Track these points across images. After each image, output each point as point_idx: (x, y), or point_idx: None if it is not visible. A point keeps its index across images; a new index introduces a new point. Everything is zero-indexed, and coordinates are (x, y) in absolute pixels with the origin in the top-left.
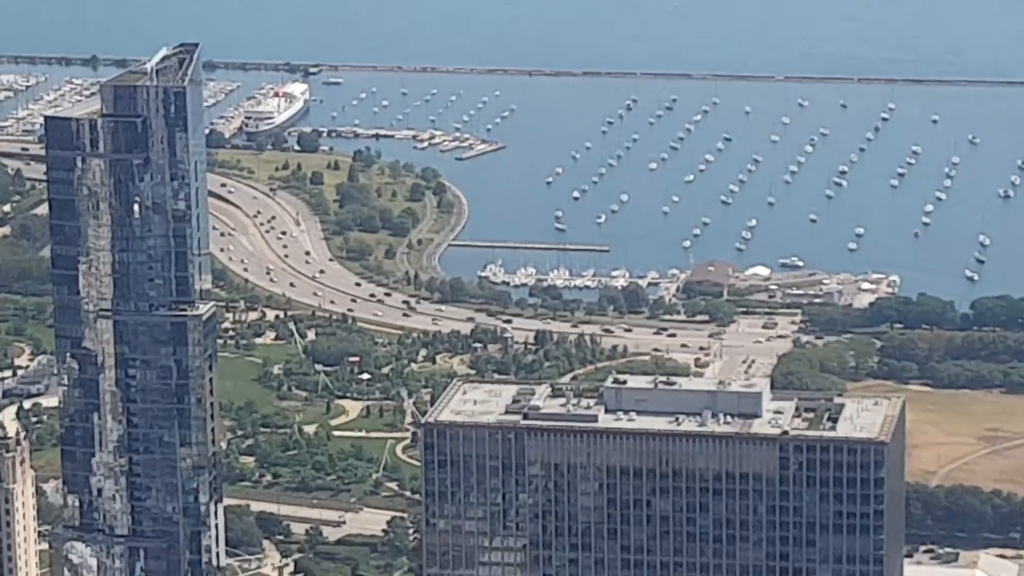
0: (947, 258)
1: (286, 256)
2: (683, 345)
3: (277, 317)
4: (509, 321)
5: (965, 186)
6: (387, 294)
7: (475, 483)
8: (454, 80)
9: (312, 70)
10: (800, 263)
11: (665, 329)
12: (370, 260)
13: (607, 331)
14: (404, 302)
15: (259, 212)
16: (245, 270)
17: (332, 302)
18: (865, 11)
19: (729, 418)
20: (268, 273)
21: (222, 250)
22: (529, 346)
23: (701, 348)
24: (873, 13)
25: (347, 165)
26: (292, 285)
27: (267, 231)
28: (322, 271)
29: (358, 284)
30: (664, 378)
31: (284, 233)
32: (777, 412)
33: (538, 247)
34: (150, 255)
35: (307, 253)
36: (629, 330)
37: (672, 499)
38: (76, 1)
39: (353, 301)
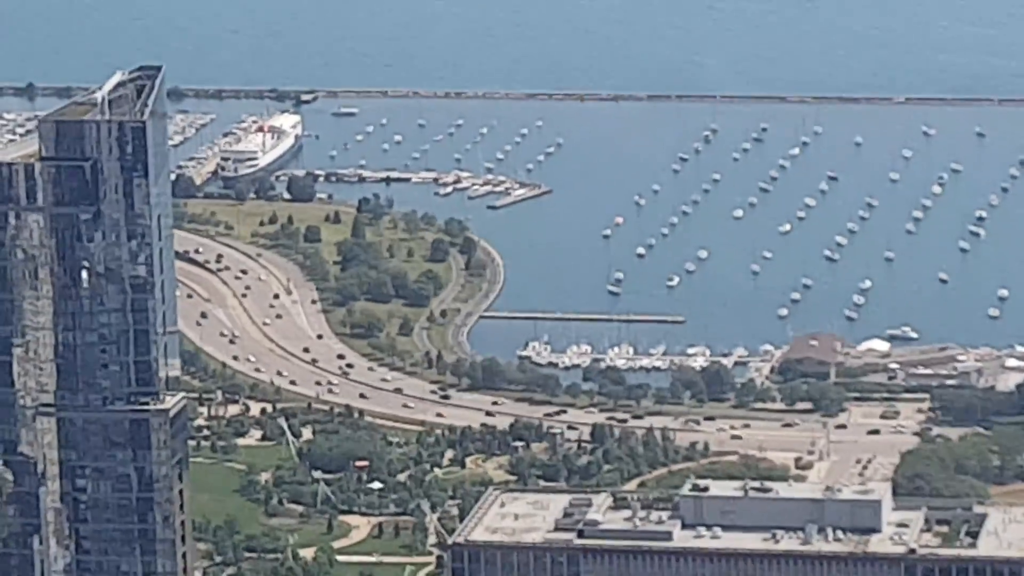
0: None
1: (275, 334)
2: (781, 441)
3: (264, 411)
4: (559, 413)
5: None
6: (403, 381)
7: None
8: (485, 108)
9: (305, 97)
10: (914, 335)
11: (757, 421)
12: (381, 337)
13: (684, 424)
14: (432, 391)
15: (240, 278)
16: (224, 352)
17: (333, 391)
18: (1007, 17)
19: (841, 533)
20: (252, 355)
21: (198, 324)
22: (584, 444)
23: (804, 445)
24: (1017, 17)
25: (351, 217)
26: (281, 373)
27: (251, 302)
28: (320, 352)
29: (370, 369)
30: (757, 484)
31: (272, 304)
32: (901, 525)
33: (594, 318)
34: (102, 335)
35: (301, 329)
36: (713, 422)
37: None
38: (5, 16)
39: (362, 395)
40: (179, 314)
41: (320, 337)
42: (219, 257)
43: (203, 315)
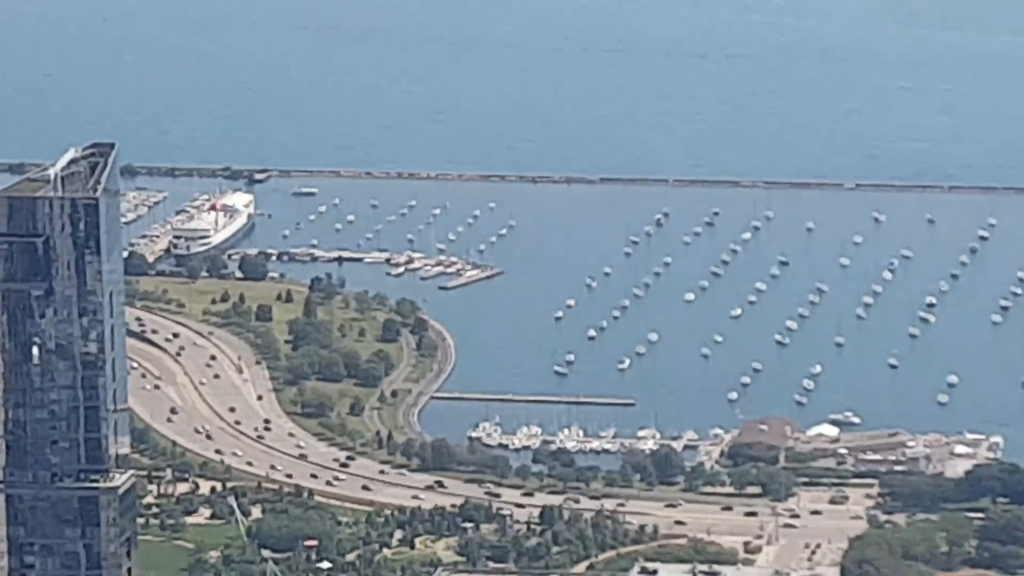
0: None
1: (225, 412)
2: (729, 525)
3: (213, 490)
4: (506, 494)
5: None
6: (351, 459)
7: None
8: (438, 189)
9: (259, 176)
10: (856, 420)
11: (707, 504)
12: (331, 417)
13: (632, 507)
14: (381, 471)
15: (191, 356)
16: (173, 430)
17: (281, 470)
18: (959, 104)
19: None
20: (202, 433)
21: (149, 401)
22: (533, 526)
23: (753, 529)
24: (969, 107)
25: (302, 296)
26: (231, 452)
27: (201, 380)
28: (270, 431)
29: (349, 459)
30: (705, 567)
31: (223, 382)
32: None
33: (544, 400)
34: (52, 411)
35: (252, 408)
36: (661, 505)
37: None
38: None
39: (313, 474)
40: (130, 391)
41: (269, 419)
42: (171, 335)
43: (154, 392)
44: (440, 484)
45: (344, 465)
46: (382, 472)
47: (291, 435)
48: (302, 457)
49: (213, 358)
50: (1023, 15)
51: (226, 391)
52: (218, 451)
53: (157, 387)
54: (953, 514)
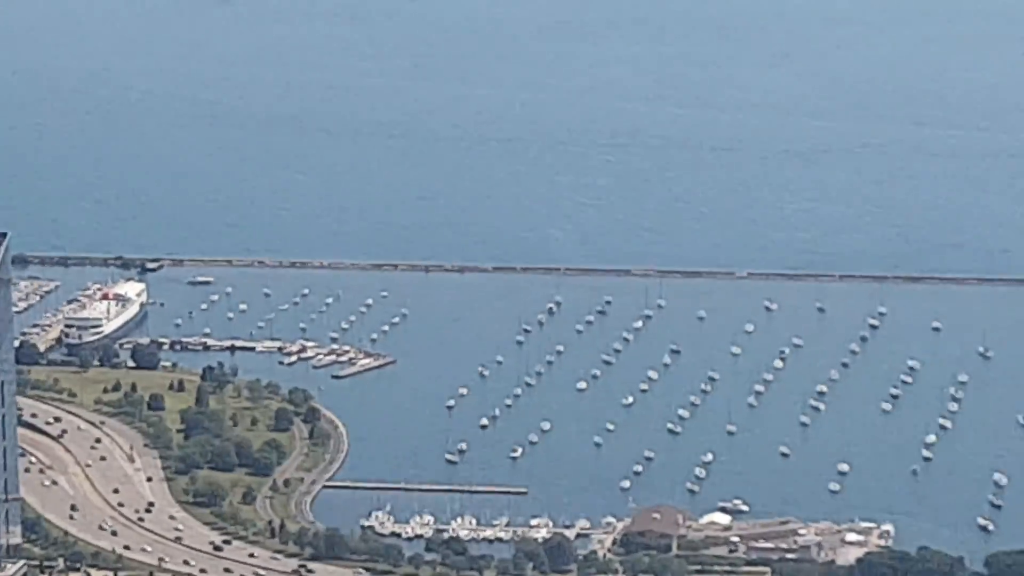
0: (954, 502)
1: (117, 502)
2: None
3: None
4: None
5: (976, 411)
6: (227, 542)
7: None
8: (330, 278)
9: (151, 265)
10: (745, 508)
11: None
12: (224, 506)
13: None
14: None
15: (82, 445)
16: (66, 520)
17: (169, 560)
18: (849, 194)
19: None
20: (95, 523)
21: (41, 491)
22: None
23: None
24: (859, 196)
25: (195, 385)
26: (126, 546)
27: (93, 470)
28: (162, 520)
29: (225, 542)
30: None
31: (114, 471)
32: None
33: (437, 489)
34: None
35: (143, 497)
36: None
37: None
38: None
39: (203, 570)
40: (21, 481)
41: (161, 505)
42: (63, 426)
43: (45, 481)
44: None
45: (218, 548)
46: (251, 555)
47: (181, 524)
48: (193, 547)
49: (104, 447)
50: (912, 105)
51: (118, 481)
52: (110, 541)
53: (50, 478)
54: None
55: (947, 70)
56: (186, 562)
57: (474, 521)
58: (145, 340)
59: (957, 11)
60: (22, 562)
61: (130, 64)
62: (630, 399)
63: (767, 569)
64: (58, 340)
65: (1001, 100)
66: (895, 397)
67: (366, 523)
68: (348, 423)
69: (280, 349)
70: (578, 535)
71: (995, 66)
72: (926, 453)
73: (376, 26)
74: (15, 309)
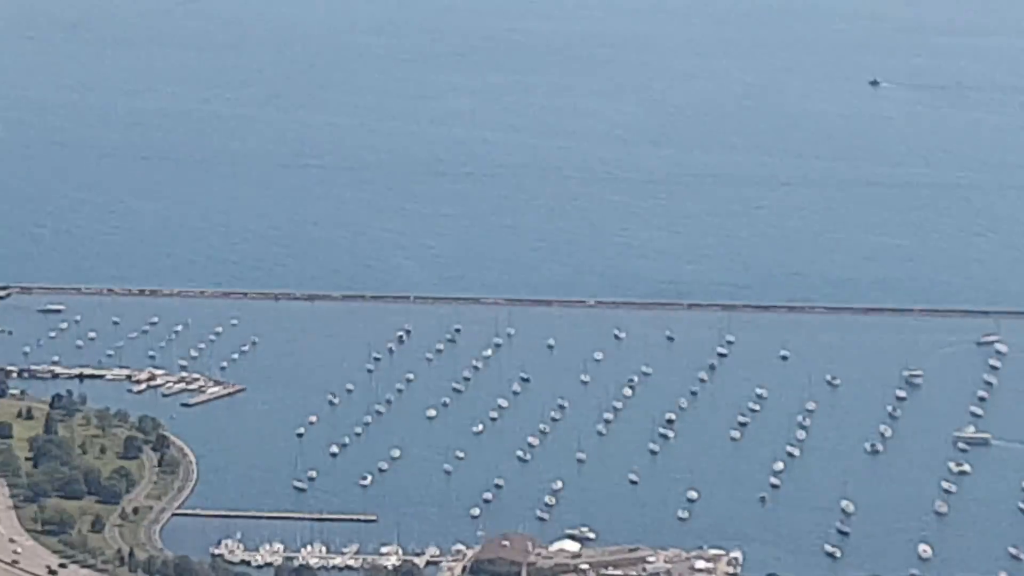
0: (802, 529)
1: None
2: None
3: None
4: None
5: (823, 439)
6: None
7: None
8: (180, 306)
9: None
10: (592, 535)
11: None
12: (72, 534)
13: None
14: None
15: None
16: None
17: None
18: (697, 223)
19: None
20: None
21: None
22: None
23: None
24: (707, 225)
25: (43, 414)
26: None
27: None
28: (12, 549)
29: (61, 565)
30: None
31: None
32: None
33: (287, 517)
34: None
35: None
36: None
37: None
38: None
39: None
40: None
41: (9, 533)
42: None
43: None
44: None
45: (53, 573)
46: None
47: (32, 553)
48: (13, 564)
49: None
50: (760, 136)
51: None
52: None
53: None
54: None
55: (794, 101)
56: None
57: (324, 549)
58: None
59: (805, 43)
60: None
61: None
62: (480, 427)
63: None
64: None
65: (847, 131)
66: (743, 425)
67: (216, 551)
68: (198, 451)
69: (129, 377)
70: (428, 563)
71: (842, 97)
72: (774, 480)
73: (227, 55)
74: None
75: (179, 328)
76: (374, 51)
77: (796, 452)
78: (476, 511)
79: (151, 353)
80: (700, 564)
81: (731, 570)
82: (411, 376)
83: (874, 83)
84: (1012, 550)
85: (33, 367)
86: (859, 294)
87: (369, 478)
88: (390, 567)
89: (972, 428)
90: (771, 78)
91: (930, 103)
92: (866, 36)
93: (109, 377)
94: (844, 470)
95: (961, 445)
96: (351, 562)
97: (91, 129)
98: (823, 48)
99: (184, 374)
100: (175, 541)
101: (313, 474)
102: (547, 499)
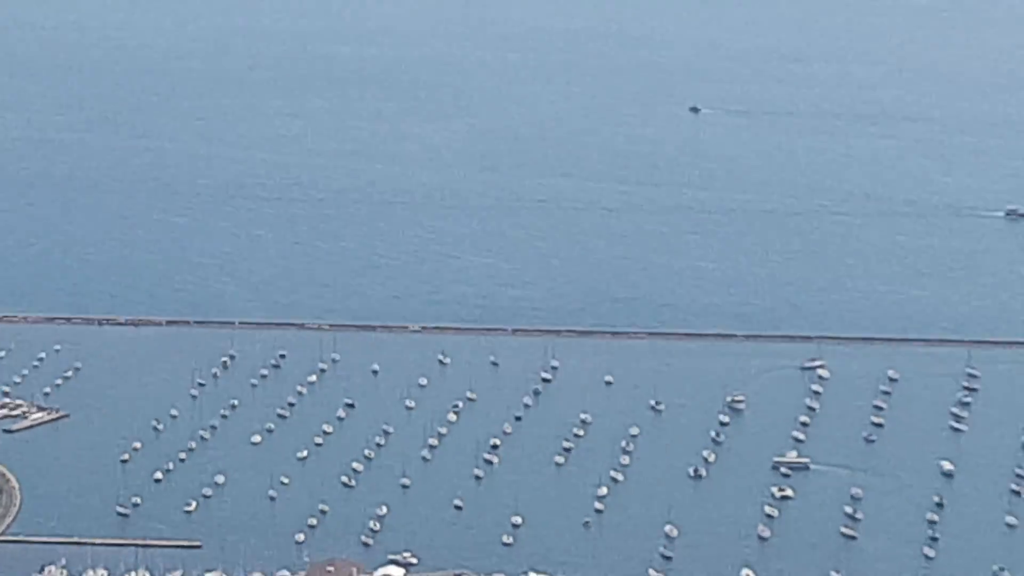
0: (626, 554)
1: None
2: None
3: None
4: None
5: (647, 464)
6: None
7: None
8: (2, 331)
9: None
10: (414, 560)
11: None
12: None
13: None
14: None
15: None
16: None
17: None
18: (521, 248)
19: None
20: None
21: None
22: None
23: None
24: (531, 250)
25: None
26: None
27: None
28: None
29: None
30: None
31: None
32: None
33: (111, 543)
34: None
35: None
36: None
37: None
38: None
39: None
40: None
41: None
42: None
43: None
44: None
45: None
46: None
47: None
48: None
49: None
50: (584, 161)
51: None
52: None
53: None
54: None
55: (616, 127)
56: None
57: (148, 575)
58: None
59: (627, 69)
60: None
61: None
62: (304, 452)
63: None
64: None
65: (669, 157)
66: (568, 450)
67: None
68: (21, 477)
69: None
70: None
71: (662, 122)
72: (598, 505)
73: (48, 79)
74: None
75: (1, 354)
76: (195, 76)
77: (620, 477)
78: (301, 536)
79: None
80: None
81: None
82: (235, 402)
83: (694, 109)
84: (834, 574)
85: None
86: (683, 319)
87: (194, 504)
88: None
89: (794, 453)
90: (594, 104)
91: (750, 129)
92: (687, 63)
93: None
94: (668, 495)
95: (783, 470)
96: None
97: None
98: (645, 74)
99: (7, 400)
100: None
101: (137, 500)
102: (372, 524)
